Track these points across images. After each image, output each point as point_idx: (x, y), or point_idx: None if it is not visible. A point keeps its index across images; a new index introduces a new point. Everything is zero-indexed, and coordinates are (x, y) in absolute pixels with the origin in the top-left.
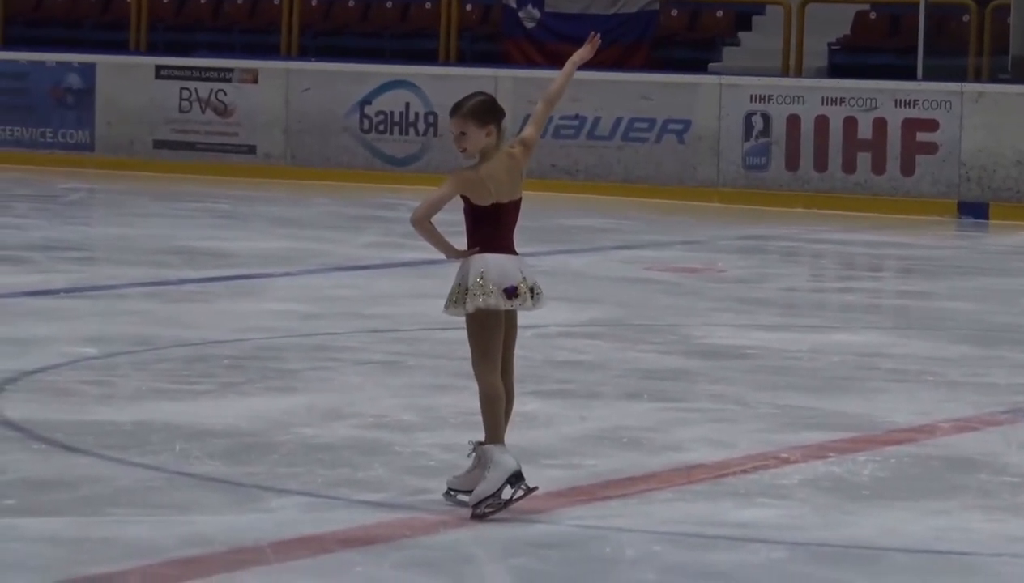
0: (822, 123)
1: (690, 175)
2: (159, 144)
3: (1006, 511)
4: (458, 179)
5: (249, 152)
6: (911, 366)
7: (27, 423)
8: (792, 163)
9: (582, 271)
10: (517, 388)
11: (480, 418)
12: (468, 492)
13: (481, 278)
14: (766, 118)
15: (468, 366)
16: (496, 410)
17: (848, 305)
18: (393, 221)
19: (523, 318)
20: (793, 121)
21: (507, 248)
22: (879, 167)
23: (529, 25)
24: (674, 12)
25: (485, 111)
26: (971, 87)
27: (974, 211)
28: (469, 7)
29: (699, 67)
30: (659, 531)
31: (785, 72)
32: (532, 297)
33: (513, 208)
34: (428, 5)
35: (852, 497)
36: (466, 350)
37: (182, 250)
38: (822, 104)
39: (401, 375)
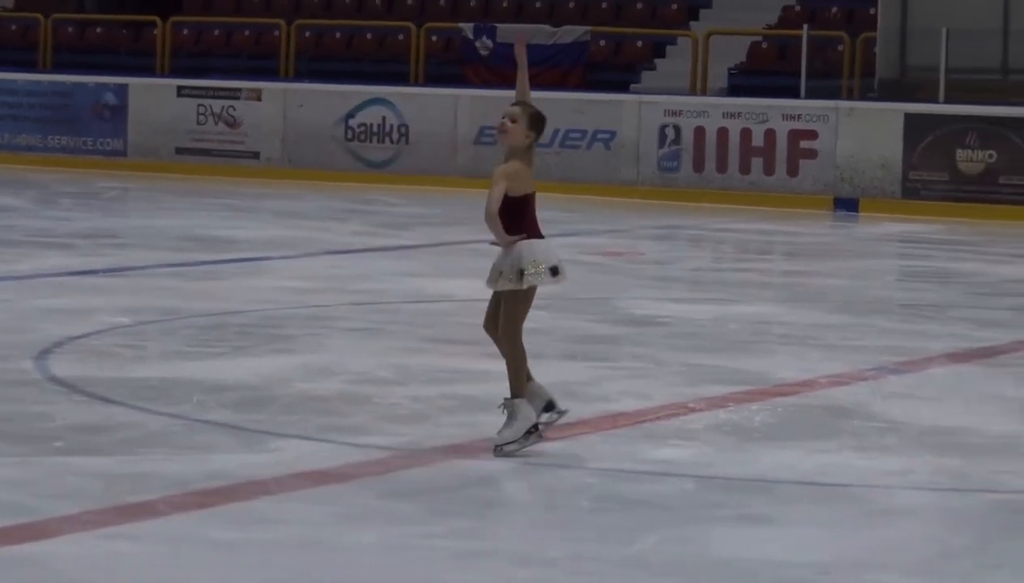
0: (723, 133)
1: (615, 176)
2: (180, 151)
3: (875, 450)
4: (506, 172)
5: (254, 157)
6: (797, 332)
7: (72, 379)
8: (699, 166)
9: None
10: (474, 350)
11: (507, 378)
12: (511, 443)
13: (534, 260)
14: (677, 129)
15: (435, 332)
16: (522, 370)
17: (744, 282)
18: (373, 213)
19: (480, 292)
20: (699, 132)
21: (541, 233)
22: (769, 169)
23: (484, 53)
24: (602, 42)
25: (537, 118)
26: (844, 104)
27: (846, 206)
28: (435, 38)
29: (623, 87)
30: (591, 467)
31: (693, 92)
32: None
33: (534, 198)
34: (401, 36)
35: (749, 439)
36: (433, 320)
37: (200, 237)
38: (723, 118)
39: (380, 340)
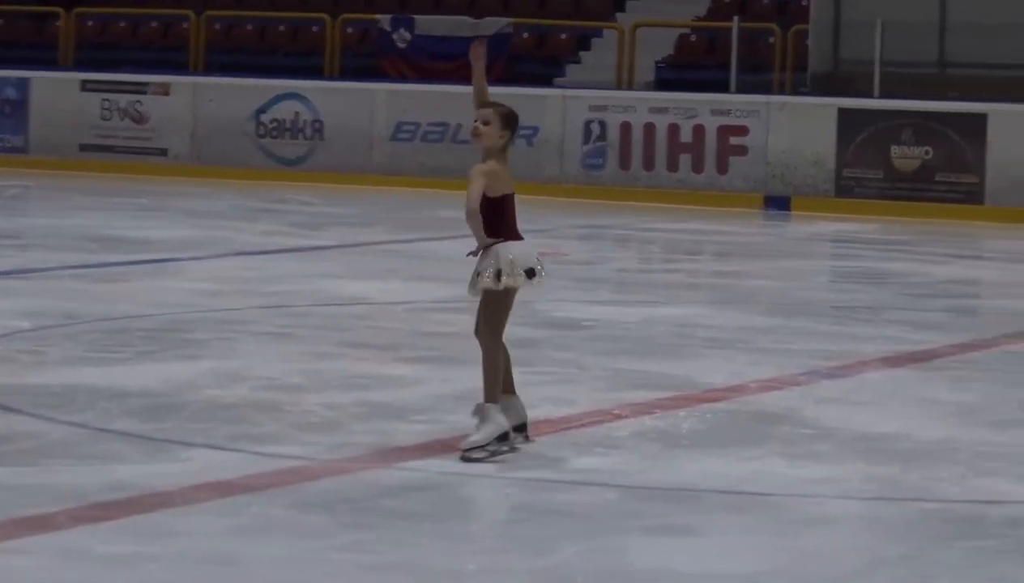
0: (650, 129)
1: (538, 173)
2: (84, 147)
3: (804, 458)
4: (483, 171)
5: (161, 154)
6: (725, 335)
7: None
8: (625, 163)
9: (447, 255)
10: (390, 355)
11: (481, 381)
12: (482, 447)
13: (511, 261)
14: (603, 125)
15: (348, 336)
16: (497, 374)
17: (671, 283)
18: (285, 213)
19: (396, 294)
20: (625, 127)
21: (519, 235)
22: (698, 167)
23: (401, 45)
24: (525, 34)
25: (510, 117)
26: (776, 99)
27: (778, 204)
28: (350, 29)
29: (546, 81)
30: (510, 476)
31: (619, 86)
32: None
33: (513, 199)
34: (315, 28)
35: (674, 446)
36: (347, 324)
37: (105, 238)
38: (650, 113)
39: (291, 344)
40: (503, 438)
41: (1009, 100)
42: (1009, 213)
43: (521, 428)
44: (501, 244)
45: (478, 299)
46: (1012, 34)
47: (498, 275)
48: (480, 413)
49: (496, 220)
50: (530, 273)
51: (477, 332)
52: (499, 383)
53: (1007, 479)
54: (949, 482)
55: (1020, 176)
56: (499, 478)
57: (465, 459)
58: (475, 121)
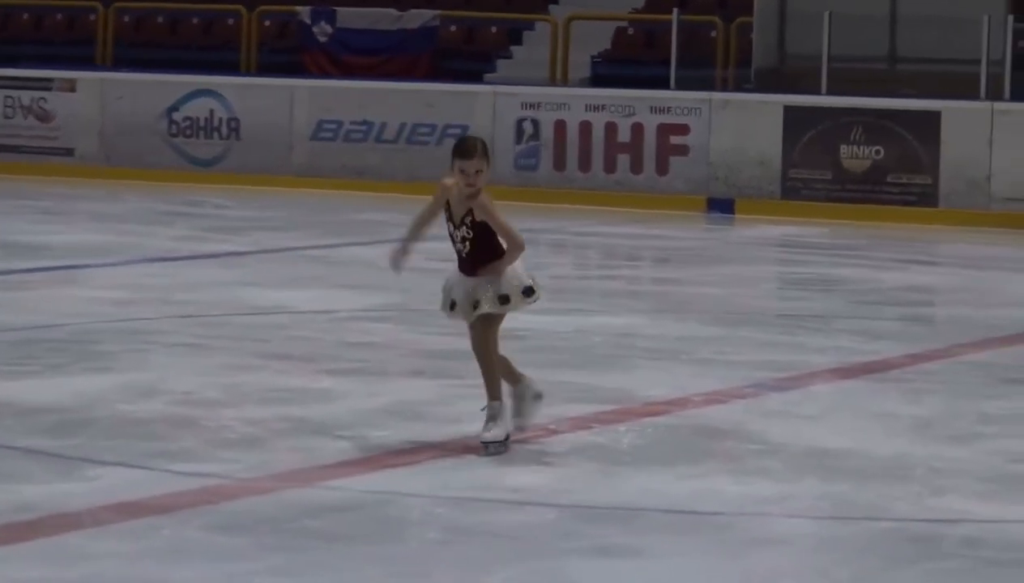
0: (586, 128)
1: None
2: None
3: (750, 474)
4: (490, 199)
5: (68, 154)
6: (666, 345)
7: None
8: (559, 164)
9: (371, 261)
10: (313, 367)
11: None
12: (502, 442)
13: (532, 280)
14: (536, 123)
15: (268, 347)
16: (498, 375)
17: (609, 291)
18: (199, 216)
19: (318, 303)
20: (560, 126)
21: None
22: (637, 167)
23: (322, 39)
24: (452, 28)
25: (486, 150)
26: (718, 96)
27: (721, 206)
28: (268, 22)
29: (475, 77)
30: (442, 495)
31: (553, 82)
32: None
33: None
34: (231, 21)
35: (614, 463)
36: (267, 334)
37: (6, 244)
38: (586, 111)
39: (207, 356)
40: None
41: (964, 97)
42: (964, 216)
43: (539, 396)
44: (511, 266)
45: (471, 318)
46: (966, 27)
47: (529, 291)
48: (491, 410)
49: (496, 242)
50: (528, 291)
51: (472, 347)
52: (499, 380)
53: (965, 496)
54: (904, 500)
55: (975, 177)
56: (429, 497)
57: (489, 454)
58: (469, 177)
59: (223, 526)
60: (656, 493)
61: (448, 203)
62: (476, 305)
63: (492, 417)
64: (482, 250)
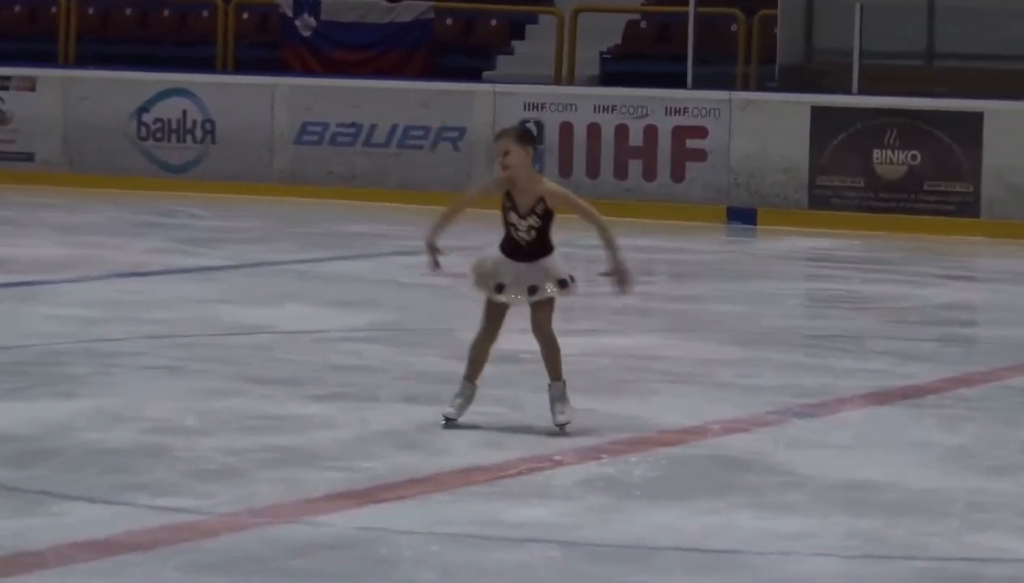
0: (594, 130)
1: (465, 182)
2: None
3: (773, 509)
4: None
5: (27, 159)
6: (682, 368)
7: None
8: (565, 170)
9: (361, 276)
10: (297, 392)
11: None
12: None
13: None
14: (539, 125)
15: (247, 370)
16: (559, 355)
17: (620, 308)
18: (172, 227)
19: (301, 322)
20: (566, 128)
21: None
22: (650, 174)
23: (306, 33)
24: (449, 21)
25: (522, 134)
26: (739, 95)
27: (742, 217)
28: (246, 15)
29: (474, 75)
30: (437, 532)
31: (558, 80)
32: None
33: None
34: (205, 13)
35: (625, 497)
36: (243, 356)
37: None
38: (594, 112)
39: (182, 380)
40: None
41: (1008, 96)
42: (1008, 227)
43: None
44: (551, 257)
45: (531, 300)
46: (1011, 19)
47: (564, 283)
48: (556, 391)
49: (550, 235)
50: (563, 283)
51: (536, 330)
52: (560, 360)
53: (1006, 533)
54: (942, 537)
55: (1020, 184)
56: (423, 534)
57: (562, 432)
58: (498, 159)
59: (201, 565)
60: (670, 529)
61: (510, 194)
62: (533, 290)
63: (559, 397)
64: (542, 241)
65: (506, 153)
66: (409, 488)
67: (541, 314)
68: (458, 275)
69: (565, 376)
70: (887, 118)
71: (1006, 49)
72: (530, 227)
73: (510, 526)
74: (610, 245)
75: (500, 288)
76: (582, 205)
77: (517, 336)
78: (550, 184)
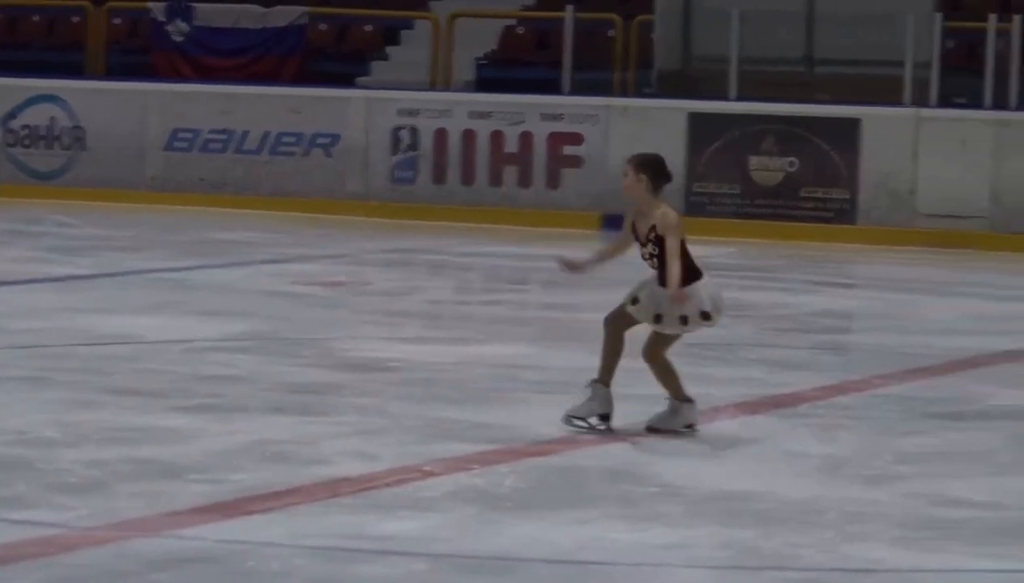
0: (470, 137)
1: (339, 188)
2: None
3: (647, 520)
4: (676, 223)
5: None
6: (555, 377)
7: None
8: (439, 177)
9: (230, 285)
10: (163, 403)
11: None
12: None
13: (712, 304)
14: (414, 132)
15: (113, 381)
16: (674, 374)
17: (494, 317)
18: (40, 235)
19: (169, 332)
20: (440, 135)
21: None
22: (525, 181)
23: (178, 39)
24: (323, 26)
25: (643, 162)
26: (617, 101)
27: (618, 224)
28: (118, 20)
29: (347, 81)
30: (303, 545)
31: (433, 86)
32: None
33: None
34: (75, 19)
35: (494, 508)
36: (112, 367)
37: None
38: (469, 118)
39: (44, 390)
40: (603, 418)
41: (886, 103)
42: (885, 234)
43: (606, 417)
44: (692, 286)
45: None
46: (889, 26)
47: (705, 316)
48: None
49: (688, 261)
50: (705, 316)
51: (642, 353)
52: (677, 381)
53: (881, 544)
54: (815, 548)
55: (898, 191)
56: (290, 547)
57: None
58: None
59: (62, 580)
60: (540, 541)
61: (634, 225)
62: (658, 319)
63: (666, 412)
64: (663, 267)
65: (624, 175)
66: (276, 500)
67: (649, 339)
68: (331, 283)
69: (439, 385)
70: (765, 124)
71: (884, 55)
72: (650, 254)
73: (376, 539)
74: (668, 283)
75: (635, 300)
76: (671, 242)
77: (382, 344)
78: (665, 210)
